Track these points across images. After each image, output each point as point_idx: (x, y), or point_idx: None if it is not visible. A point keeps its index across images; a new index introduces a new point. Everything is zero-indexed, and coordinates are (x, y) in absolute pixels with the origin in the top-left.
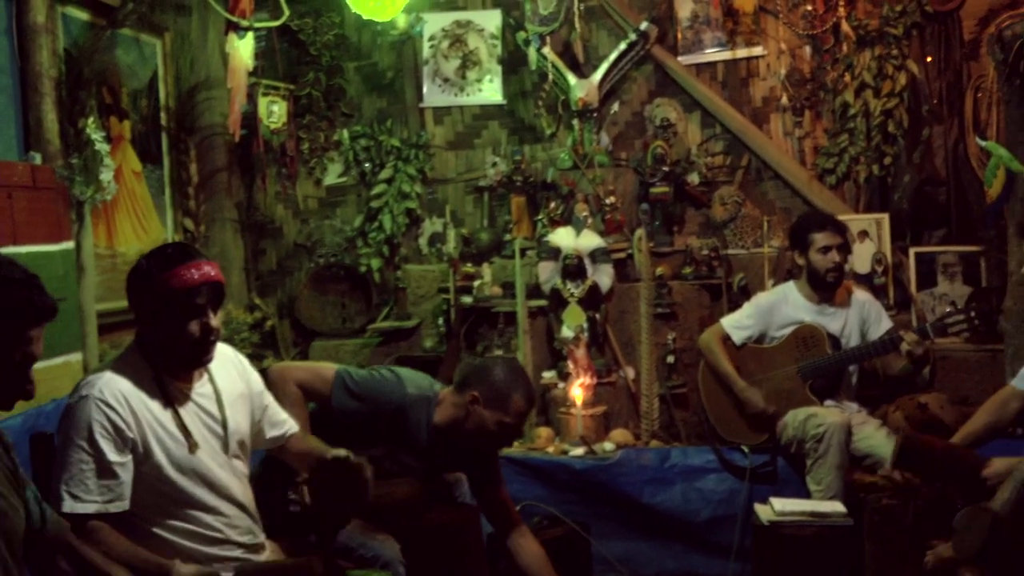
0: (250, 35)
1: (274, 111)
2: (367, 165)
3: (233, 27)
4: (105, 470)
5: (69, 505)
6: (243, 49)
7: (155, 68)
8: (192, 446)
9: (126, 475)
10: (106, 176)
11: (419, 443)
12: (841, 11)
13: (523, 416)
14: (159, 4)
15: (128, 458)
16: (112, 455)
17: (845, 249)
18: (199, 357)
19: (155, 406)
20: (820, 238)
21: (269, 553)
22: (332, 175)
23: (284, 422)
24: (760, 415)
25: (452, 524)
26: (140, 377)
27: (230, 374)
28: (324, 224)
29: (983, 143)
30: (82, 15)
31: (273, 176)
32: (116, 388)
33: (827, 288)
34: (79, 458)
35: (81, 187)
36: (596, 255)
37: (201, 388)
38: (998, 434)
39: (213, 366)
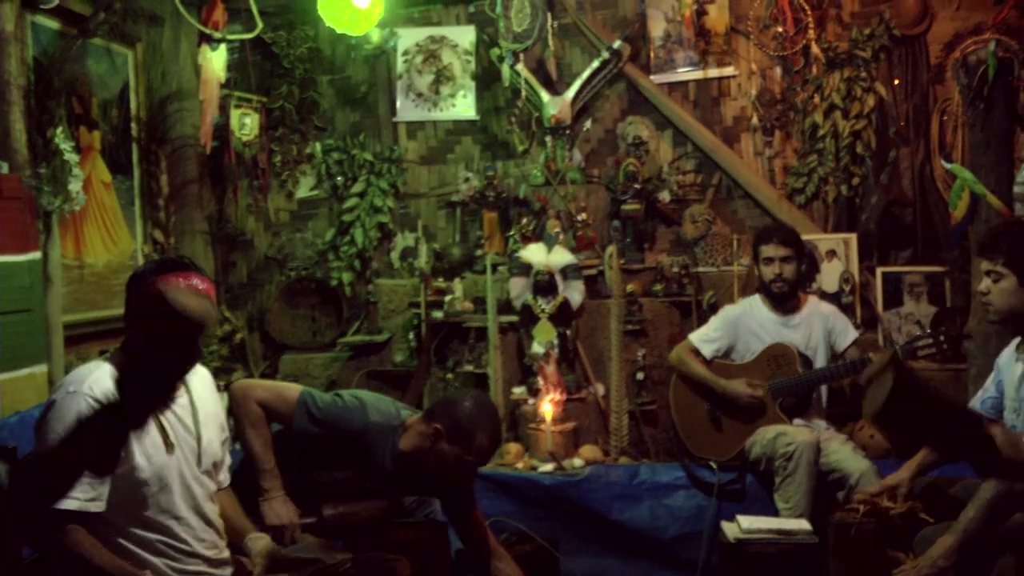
0: (223, 47)
1: (246, 123)
2: (339, 179)
3: (206, 39)
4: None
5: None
6: (216, 61)
7: (126, 78)
8: (169, 447)
9: (108, 475)
10: (75, 186)
11: (383, 469)
12: (811, 33)
13: (485, 455)
14: (131, 14)
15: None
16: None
17: (792, 260)
18: (182, 366)
19: (138, 408)
20: (765, 249)
21: (233, 570)
22: (304, 188)
23: (225, 470)
24: (750, 402)
25: (418, 540)
26: (125, 379)
27: (206, 391)
28: (295, 237)
29: (948, 165)
30: (52, 24)
31: (244, 188)
32: (106, 386)
33: (778, 299)
34: None
35: (49, 197)
36: (567, 271)
37: (180, 399)
38: (953, 460)
39: (191, 381)
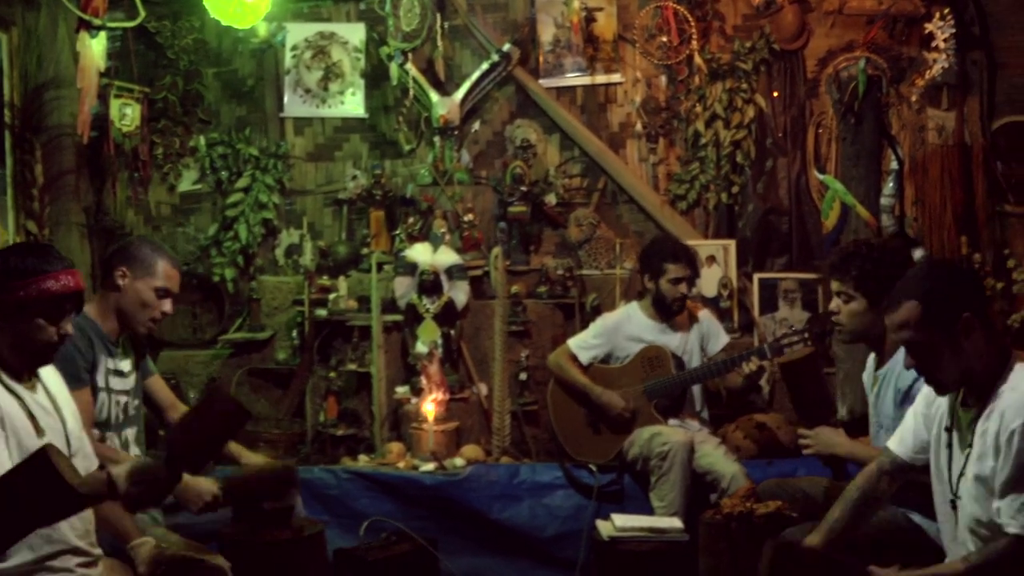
0: (103, 34)
1: (127, 114)
2: (224, 173)
3: (85, 25)
4: None
5: None
6: (95, 48)
7: None
8: (39, 431)
9: None
10: None
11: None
12: (695, 44)
13: (172, 278)
14: None
15: None
16: None
17: (693, 279)
18: (44, 359)
19: (1, 394)
20: (673, 269)
21: (102, 568)
22: (187, 182)
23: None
24: (621, 415)
25: (294, 541)
26: None
27: (56, 380)
28: (177, 232)
29: (821, 176)
30: None
31: (124, 181)
32: None
33: (672, 314)
34: None
35: None
36: (452, 271)
37: (36, 387)
38: (869, 517)
39: (42, 370)
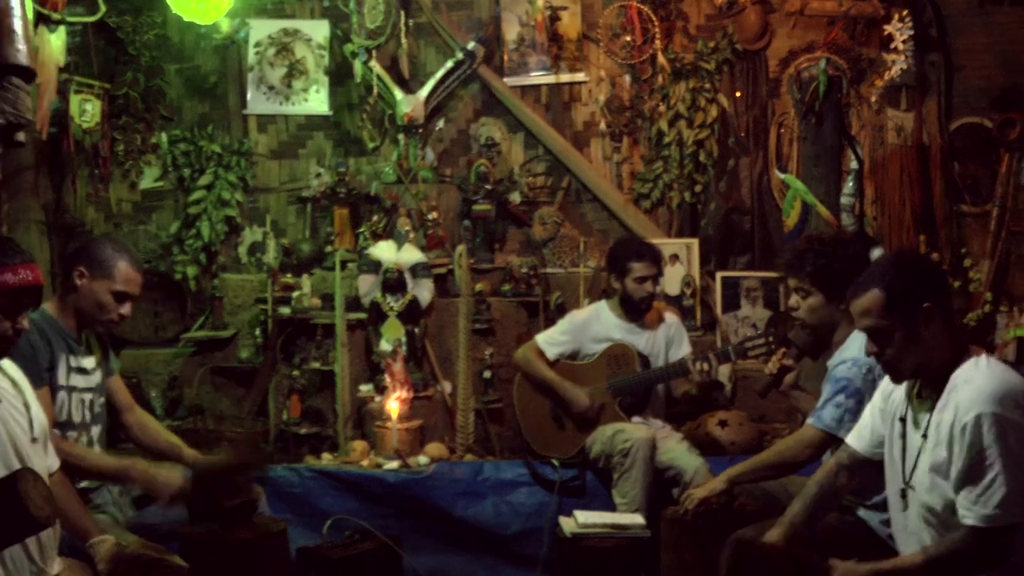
0: (62, 29)
1: (87, 110)
2: (186, 170)
3: (44, 19)
4: None
5: None
6: (54, 43)
7: None
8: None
9: None
10: None
11: (71, 346)
12: (658, 44)
13: (131, 281)
14: None
15: None
16: None
17: (659, 278)
18: (2, 352)
19: None
20: (638, 268)
21: (61, 567)
22: (148, 179)
23: (52, 452)
24: (585, 413)
25: (256, 541)
26: None
27: (18, 372)
28: (138, 229)
29: (782, 176)
30: None
31: (84, 177)
32: None
33: (639, 313)
34: None
35: None
36: (417, 269)
37: None
38: (828, 512)
39: (3, 363)
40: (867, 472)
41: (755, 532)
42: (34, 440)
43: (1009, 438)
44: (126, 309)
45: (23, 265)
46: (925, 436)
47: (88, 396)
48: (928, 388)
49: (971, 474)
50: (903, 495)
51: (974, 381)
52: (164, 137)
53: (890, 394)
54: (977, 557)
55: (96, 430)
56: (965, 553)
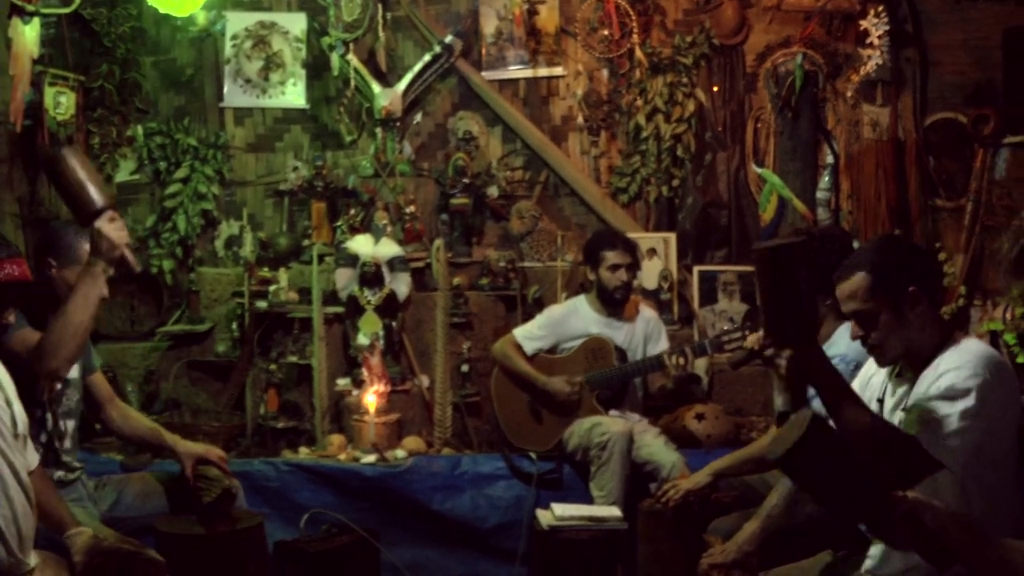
0: (36, 20)
1: (62, 102)
2: (162, 163)
3: (17, 11)
4: None
5: None
6: (28, 35)
7: None
8: None
9: None
10: None
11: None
12: (636, 38)
13: None
14: None
15: None
16: None
17: (634, 268)
18: None
19: None
20: (610, 256)
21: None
22: (124, 172)
23: (32, 450)
24: (567, 400)
25: (233, 535)
26: None
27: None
28: None
29: (759, 170)
30: None
31: None
32: None
33: (615, 303)
34: None
35: None
36: (394, 263)
37: None
38: (807, 503)
39: None
40: None
41: (733, 523)
42: (16, 436)
43: (980, 400)
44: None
45: (10, 260)
46: (905, 410)
47: (62, 390)
48: (910, 371)
49: (934, 416)
50: None
51: (955, 353)
52: (140, 130)
53: (869, 379)
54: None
55: (70, 424)
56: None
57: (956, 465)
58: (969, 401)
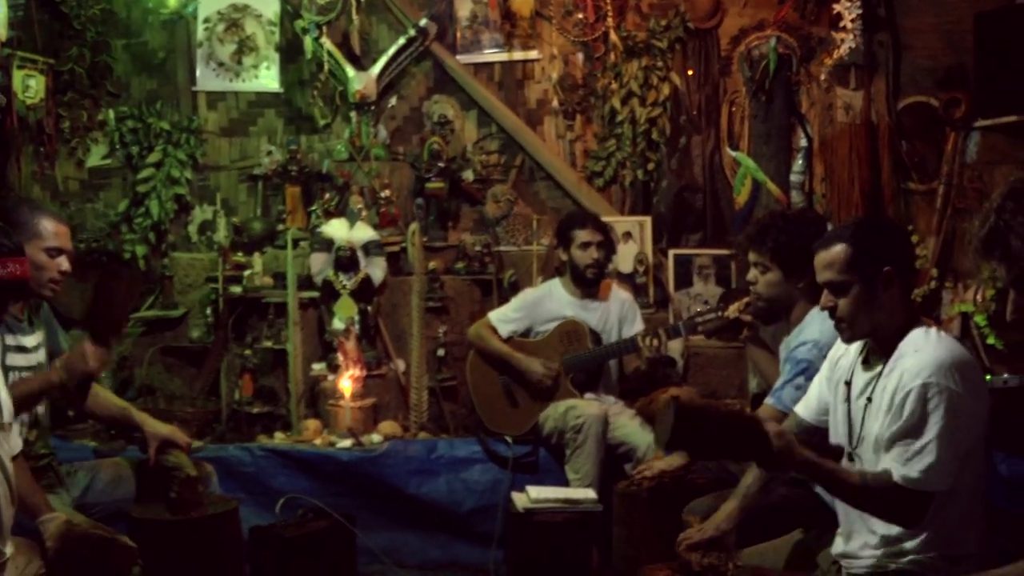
0: (3, 2)
1: (31, 85)
2: (134, 148)
3: None
4: None
5: None
6: None
7: None
8: None
9: None
10: None
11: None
12: (610, 21)
13: (61, 235)
14: None
15: None
16: None
17: (606, 246)
18: None
19: None
20: (581, 234)
21: (11, 546)
22: (95, 157)
23: (16, 435)
24: (542, 381)
25: (208, 520)
26: None
27: None
28: (86, 207)
29: (733, 153)
30: None
31: (29, 155)
32: None
33: (588, 284)
34: None
35: None
36: (369, 247)
37: None
38: (780, 481)
39: None
40: (815, 441)
41: (708, 504)
42: (2, 426)
43: (949, 409)
44: (64, 264)
45: (11, 258)
46: (870, 400)
47: (28, 375)
48: (875, 354)
49: (906, 435)
50: (850, 459)
51: (923, 351)
52: (111, 114)
53: (837, 361)
54: (892, 509)
55: (40, 408)
56: (885, 499)
57: (931, 485)
58: (938, 423)
